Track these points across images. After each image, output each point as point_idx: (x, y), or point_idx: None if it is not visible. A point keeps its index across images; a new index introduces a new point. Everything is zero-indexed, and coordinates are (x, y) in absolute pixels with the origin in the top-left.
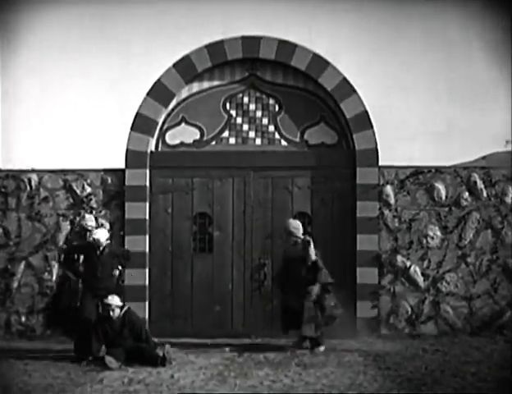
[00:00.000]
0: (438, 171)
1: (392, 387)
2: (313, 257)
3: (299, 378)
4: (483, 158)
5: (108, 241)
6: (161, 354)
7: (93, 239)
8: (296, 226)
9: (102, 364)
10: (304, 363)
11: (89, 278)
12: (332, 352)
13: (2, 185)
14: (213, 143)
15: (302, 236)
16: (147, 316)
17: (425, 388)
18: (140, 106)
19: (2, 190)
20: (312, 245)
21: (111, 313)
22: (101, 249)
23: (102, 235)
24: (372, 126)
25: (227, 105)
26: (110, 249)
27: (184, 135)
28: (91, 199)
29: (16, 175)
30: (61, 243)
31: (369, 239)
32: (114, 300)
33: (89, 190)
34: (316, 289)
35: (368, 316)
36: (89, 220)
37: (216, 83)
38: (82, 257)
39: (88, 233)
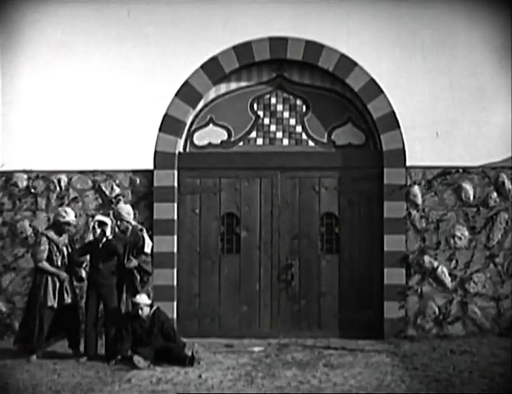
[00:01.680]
0: (466, 171)
1: (420, 387)
2: (147, 249)
3: (327, 379)
4: None
5: (110, 236)
6: (189, 353)
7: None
8: (128, 211)
9: (131, 363)
10: (331, 363)
11: (92, 275)
12: (360, 353)
13: (32, 185)
14: (241, 143)
15: (134, 223)
16: (175, 316)
17: (453, 389)
18: (168, 107)
19: (32, 190)
20: (146, 235)
21: (139, 311)
22: (101, 244)
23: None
24: (399, 127)
25: (255, 106)
26: (110, 244)
27: (211, 135)
28: (120, 200)
29: (45, 175)
30: None
31: (396, 239)
32: (142, 298)
33: (117, 190)
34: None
35: (395, 317)
36: (70, 214)
37: (243, 84)
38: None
39: (66, 227)
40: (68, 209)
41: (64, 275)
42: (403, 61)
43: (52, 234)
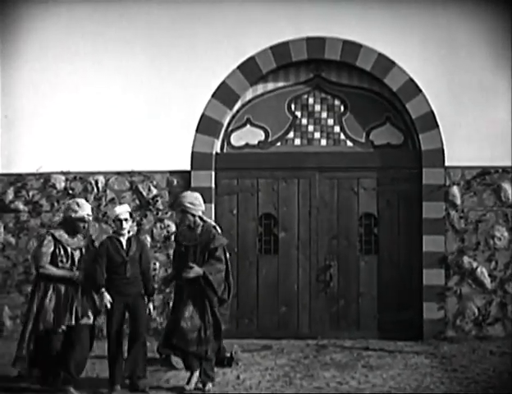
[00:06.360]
0: (505, 171)
1: (459, 389)
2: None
3: (366, 380)
4: None
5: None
6: (228, 354)
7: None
8: (193, 200)
9: (169, 364)
10: (370, 364)
11: (115, 282)
12: (399, 354)
13: (69, 186)
14: (278, 144)
15: (203, 216)
16: None
17: (492, 391)
18: (205, 107)
19: (70, 191)
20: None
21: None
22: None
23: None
24: (438, 126)
25: (292, 106)
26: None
27: (249, 136)
28: (157, 201)
29: (83, 176)
30: None
31: (435, 240)
32: None
33: (155, 191)
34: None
35: (434, 318)
36: (84, 207)
37: (280, 84)
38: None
39: (80, 224)
40: (81, 201)
41: (77, 274)
42: (442, 60)
43: (61, 233)
